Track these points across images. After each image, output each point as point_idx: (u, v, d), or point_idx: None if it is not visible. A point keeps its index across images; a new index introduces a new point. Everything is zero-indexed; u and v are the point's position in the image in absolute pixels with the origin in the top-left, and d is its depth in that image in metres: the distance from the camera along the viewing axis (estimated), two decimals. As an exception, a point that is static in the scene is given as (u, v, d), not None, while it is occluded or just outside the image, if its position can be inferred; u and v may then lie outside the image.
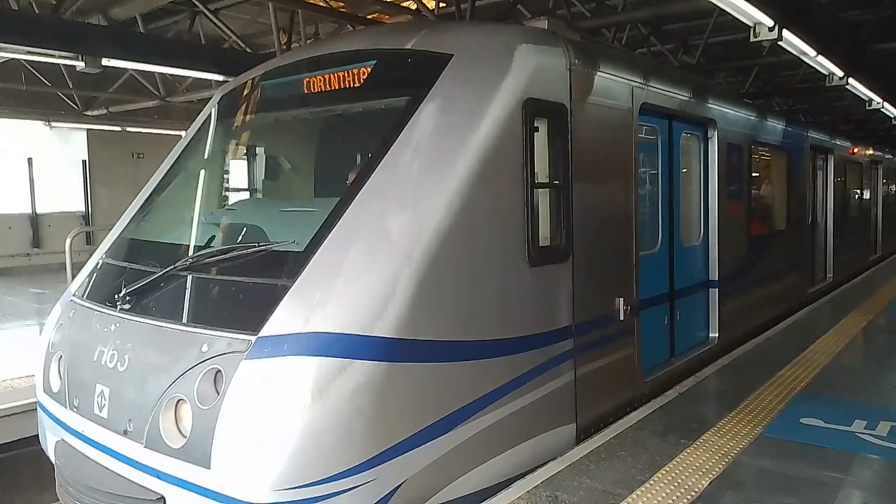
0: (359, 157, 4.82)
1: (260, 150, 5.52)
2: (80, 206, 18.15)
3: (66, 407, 4.04)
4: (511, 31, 4.61)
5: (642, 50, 12.61)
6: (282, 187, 5.59)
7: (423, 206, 3.59)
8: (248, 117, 5.20)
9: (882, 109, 13.27)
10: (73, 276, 5.28)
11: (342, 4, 11.75)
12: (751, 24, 6.62)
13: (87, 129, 18.03)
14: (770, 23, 6.52)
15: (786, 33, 6.78)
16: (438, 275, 3.53)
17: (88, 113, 17.18)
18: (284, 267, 3.52)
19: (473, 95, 3.97)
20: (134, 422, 3.48)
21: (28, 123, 17.32)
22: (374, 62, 4.31)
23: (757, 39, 6.67)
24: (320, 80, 4.50)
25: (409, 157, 3.73)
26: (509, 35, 4.43)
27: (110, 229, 5.08)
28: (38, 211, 17.25)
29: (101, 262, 4.70)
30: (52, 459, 4.27)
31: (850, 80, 9.87)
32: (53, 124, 17.62)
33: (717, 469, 3.98)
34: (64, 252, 7.29)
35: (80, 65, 7.60)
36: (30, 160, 17.22)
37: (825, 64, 8.86)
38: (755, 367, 6.19)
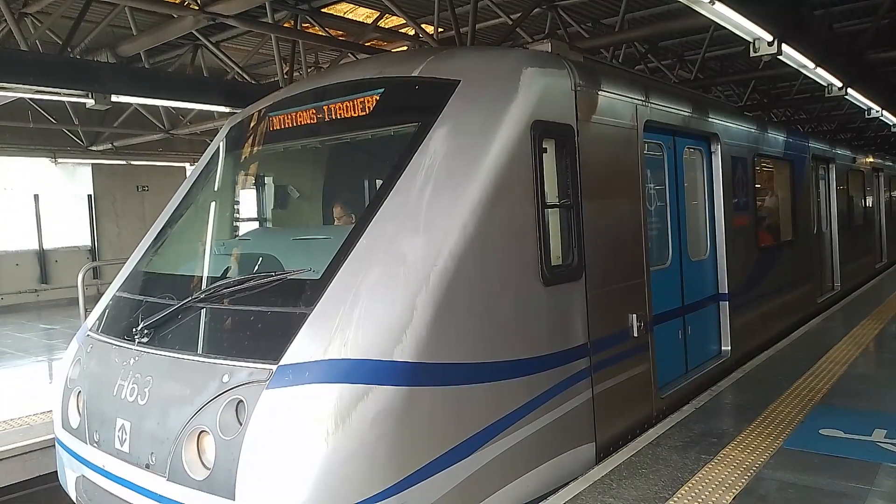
0: (369, 184, 4.87)
1: (271, 180, 5.57)
2: (86, 241, 18.25)
3: (86, 442, 4.04)
4: (516, 54, 4.67)
5: (639, 67, 12.75)
6: (294, 216, 5.64)
7: (438, 230, 3.62)
8: (258, 148, 5.26)
9: (881, 117, 13.34)
10: (86, 311, 5.30)
11: (341, 33, 11.92)
12: (750, 39, 6.70)
13: (92, 164, 18.21)
14: (769, 38, 6.59)
15: (785, 47, 6.86)
16: (455, 297, 3.55)
17: (93, 148, 17.38)
18: (302, 295, 3.54)
19: (482, 119, 4.02)
20: (156, 455, 3.48)
21: (34, 160, 17.53)
22: (381, 90, 4.36)
23: (757, 54, 6.75)
24: (329, 110, 4.56)
25: (421, 182, 3.77)
26: (514, 59, 4.49)
27: (122, 263, 5.11)
28: (45, 247, 17.34)
29: (116, 296, 4.72)
30: (73, 496, 4.27)
31: (850, 90, 9.96)
32: (59, 160, 17.81)
33: (739, 484, 3.95)
34: (71, 287, 7.30)
35: (89, 102, 7.70)
36: (36, 196, 17.36)
37: (824, 75, 8.95)
38: (771, 379, 6.17)
